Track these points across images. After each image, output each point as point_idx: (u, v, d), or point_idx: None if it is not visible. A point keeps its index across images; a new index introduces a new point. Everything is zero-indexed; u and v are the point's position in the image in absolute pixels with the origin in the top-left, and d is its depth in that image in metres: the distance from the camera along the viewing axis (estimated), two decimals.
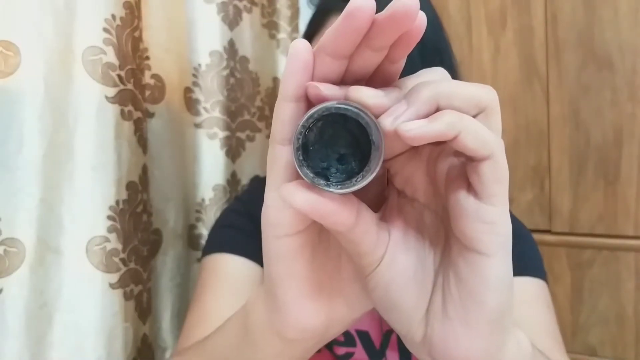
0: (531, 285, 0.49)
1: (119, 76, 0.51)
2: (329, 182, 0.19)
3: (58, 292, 0.48)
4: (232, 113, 0.74)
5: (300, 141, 0.19)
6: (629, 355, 0.82)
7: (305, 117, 0.19)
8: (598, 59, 0.82)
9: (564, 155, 0.85)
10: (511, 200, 0.88)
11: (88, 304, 0.49)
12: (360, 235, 0.21)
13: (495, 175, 0.19)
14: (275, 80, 0.84)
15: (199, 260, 0.69)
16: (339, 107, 0.18)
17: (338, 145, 0.20)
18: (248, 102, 0.77)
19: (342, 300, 0.25)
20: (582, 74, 0.83)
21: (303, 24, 0.87)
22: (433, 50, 0.50)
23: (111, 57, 0.50)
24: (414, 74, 0.22)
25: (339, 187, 0.19)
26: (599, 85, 0.82)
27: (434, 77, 0.21)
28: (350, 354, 0.50)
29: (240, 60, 0.75)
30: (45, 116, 0.47)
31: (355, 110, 0.18)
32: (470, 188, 0.20)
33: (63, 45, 0.48)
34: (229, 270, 0.51)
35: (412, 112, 0.19)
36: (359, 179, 0.19)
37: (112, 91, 0.50)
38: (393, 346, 0.50)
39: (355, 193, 0.21)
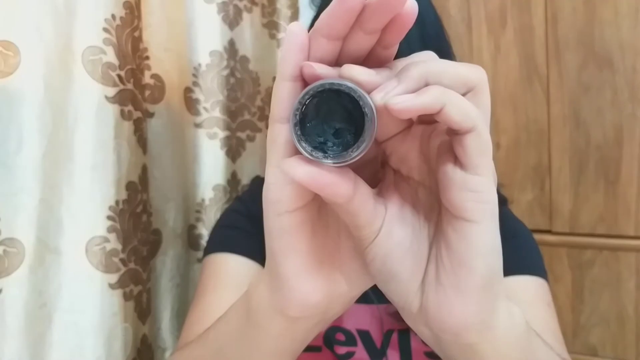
0: (532, 284, 0.49)
1: (119, 76, 0.51)
2: (326, 155, 0.20)
3: (58, 292, 0.48)
4: (232, 113, 0.74)
5: (297, 117, 0.20)
6: (629, 355, 0.82)
7: (302, 94, 0.20)
8: (598, 59, 0.81)
9: (564, 155, 0.85)
10: (511, 200, 0.88)
11: (87, 304, 0.49)
12: (358, 207, 0.22)
13: (479, 147, 0.20)
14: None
15: (199, 260, 0.68)
16: (333, 83, 0.20)
17: (333, 120, 0.21)
18: (248, 102, 0.77)
19: (342, 276, 0.26)
20: (583, 74, 0.83)
21: (303, 23, 0.87)
22: (434, 49, 0.50)
23: (111, 57, 0.50)
24: (405, 57, 0.23)
25: (336, 159, 0.20)
26: (599, 85, 0.82)
27: (423, 59, 0.23)
28: (351, 354, 0.50)
29: (241, 60, 0.75)
30: (44, 116, 0.47)
31: (348, 85, 0.20)
32: (457, 161, 0.21)
33: (63, 45, 0.48)
34: (230, 269, 0.51)
35: (402, 88, 0.20)
36: (354, 149, 0.20)
37: (112, 91, 0.50)
38: (394, 345, 0.50)
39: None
